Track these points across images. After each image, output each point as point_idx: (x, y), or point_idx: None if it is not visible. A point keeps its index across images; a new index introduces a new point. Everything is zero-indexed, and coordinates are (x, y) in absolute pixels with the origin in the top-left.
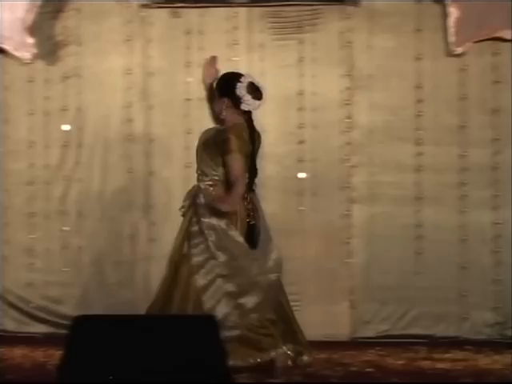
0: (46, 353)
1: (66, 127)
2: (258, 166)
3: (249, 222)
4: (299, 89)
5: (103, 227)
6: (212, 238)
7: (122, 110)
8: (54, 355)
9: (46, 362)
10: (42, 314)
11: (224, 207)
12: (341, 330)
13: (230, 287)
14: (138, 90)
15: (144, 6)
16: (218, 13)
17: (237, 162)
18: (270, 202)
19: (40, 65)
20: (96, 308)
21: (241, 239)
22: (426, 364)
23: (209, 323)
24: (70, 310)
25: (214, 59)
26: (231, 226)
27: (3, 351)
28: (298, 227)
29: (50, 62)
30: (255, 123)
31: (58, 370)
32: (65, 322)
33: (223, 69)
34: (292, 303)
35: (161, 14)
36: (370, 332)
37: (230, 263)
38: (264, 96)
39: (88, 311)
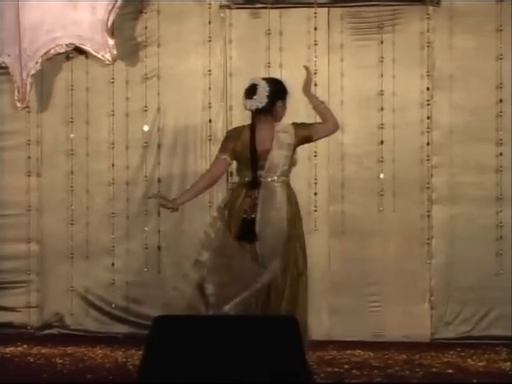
0: (126, 353)
1: (146, 128)
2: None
3: (245, 217)
4: (379, 89)
5: (183, 228)
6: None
7: (202, 110)
8: (135, 355)
9: (126, 362)
10: (122, 315)
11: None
12: (421, 330)
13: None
14: (218, 91)
15: (224, 6)
16: (298, 13)
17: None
18: (350, 203)
19: (120, 66)
20: (176, 309)
21: (225, 233)
22: (507, 366)
23: (289, 325)
24: (150, 310)
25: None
26: (217, 220)
27: (84, 351)
28: (378, 228)
29: (130, 63)
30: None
31: (138, 370)
32: (145, 322)
33: (302, 69)
34: (372, 304)
35: (240, 15)
36: (450, 333)
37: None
38: (255, 93)
39: (168, 312)
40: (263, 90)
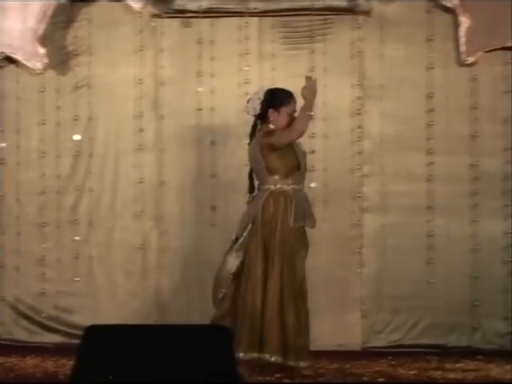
0: (57, 363)
1: (77, 137)
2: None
3: None
4: None
5: (114, 237)
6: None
7: (133, 119)
8: (66, 365)
9: (57, 372)
10: (53, 324)
11: None
12: (352, 339)
13: None
14: (149, 100)
15: (155, 15)
16: (229, 22)
17: None
18: None
19: (51, 75)
20: (108, 318)
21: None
22: (438, 374)
23: (220, 334)
24: (81, 319)
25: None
26: None
27: (14, 361)
28: (309, 237)
29: (61, 72)
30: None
31: (69, 380)
32: (76, 332)
33: (234, 78)
34: None
35: (172, 24)
36: (381, 342)
37: None
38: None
39: (99, 321)
40: (257, 98)
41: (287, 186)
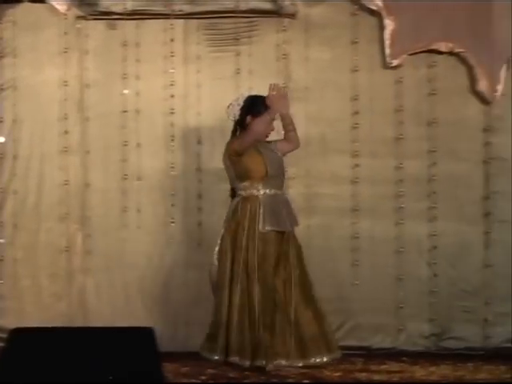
0: None
1: (1, 139)
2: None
3: None
4: None
5: (39, 239)
6: None
7: (58, 121)
8: None
9: None
10: None
11: None
12: None
13: None
14: (74, 102)
15: (80, 17)
16: (155, 25)
17: None
18: (207, 214)
19: None
20: (32, 321)
21: None
22: (363, 376)
23: (145, 335)
24: (5, 322)
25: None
26: None
27: None
28: None
29: None
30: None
31: None
32: (0, 334)
33: (159, 80)
34: None
35: (97, 26)
36: None
37: None
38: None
39: (24, 324)
40: (237, 104)
41: (257, 191)
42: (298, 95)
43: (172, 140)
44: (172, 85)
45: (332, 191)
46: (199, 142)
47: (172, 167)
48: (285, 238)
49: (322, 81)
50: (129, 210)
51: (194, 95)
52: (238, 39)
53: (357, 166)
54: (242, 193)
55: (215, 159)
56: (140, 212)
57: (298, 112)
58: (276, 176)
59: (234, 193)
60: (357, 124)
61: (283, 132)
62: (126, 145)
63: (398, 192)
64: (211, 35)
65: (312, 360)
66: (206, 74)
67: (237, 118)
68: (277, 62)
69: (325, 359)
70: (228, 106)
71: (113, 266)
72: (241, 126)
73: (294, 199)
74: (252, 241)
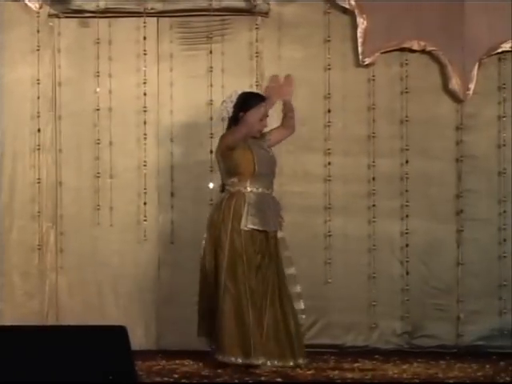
0: None
1: None
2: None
3: None
4: (208, 99)
5: (11, 238)
6: None
7: (31, 120)
8: None
9: None
10: None
11: None
12: None
13: None
14: (47, 100)
15: (52, 15)
16: (127, 23)
17: None
18: (180, 212)
19: None
20: (4, 319)
21: None
22: (335, 374)
23: (117, 334)
24: None
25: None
26: None
27: None
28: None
29: None
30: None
31: None
32: None
33: (131, 79)
34: None
35: (69, 24)
36: None
37: None
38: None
39: None
40: (230, 101)
41: (244, 188)
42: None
43: (145, 138)
44: (145, 83)
45: (304, 189)
46: (172, 140)
47: (144, 165)
48: (269, 238)
49: (294, 79)
50: (101, 208)
51: (166, 93)
52: (210, 37)
53: (329, 164)
54: (230, 189)
55: (188, 157)
56: (113, 210)
57: (270, 111)
58: (265, 175)
59: (223, 189)
60: (329, 122)
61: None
62: (98, 143)
63: (371, 190)
64: (184, 33)
65: (290, 363)
66: (178, 72)
67: (230, 114)
68: (250, 61)
69: (300, 361)
70: (222, 103)
71: (85, 264)
72: (234, 122)
73: None
74: (232, 238)
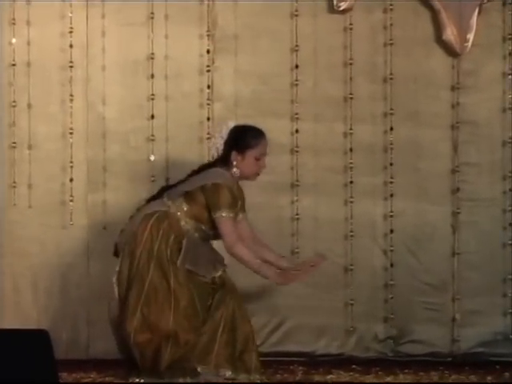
0: None
1: None
2: None
3: None
4: (149, 52)
5: None
6: None
7: None
8: None
9: None
10: None
11: None
12: None
13: None
14: None
15: None
16: None
17: None
18: (114, 191)
19: None
20: None
21: None
22: None
23: (38, 339)
24: None
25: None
26: None
27: None
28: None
29: None
30: None
31: None
32: None
33: (54, 27)
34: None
35: None
36: None
37: None
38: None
39: None
40: (220, 137)
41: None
42: (225, 45)
43: (71, 100)
44: (71, 32)
45: (267, 162)
46: (104, 103)
47: (71, 133)
48: None
49: (254, 28)
50: (18, 185)
51: (97, 45)
52: None
53: (297, 131)
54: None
55: (123, 123)
56: (31, 188)
57: (225, 66)
58: None
59: (156, 197)
60: (297, 81)
61: None
62: (14, 105)
63: (348, 164)
64: None
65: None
66: (111, 20)
67: (220, 153)
68: (199, 6)
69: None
70: (210, 139)
71: None
72: (226, 163)
73: None
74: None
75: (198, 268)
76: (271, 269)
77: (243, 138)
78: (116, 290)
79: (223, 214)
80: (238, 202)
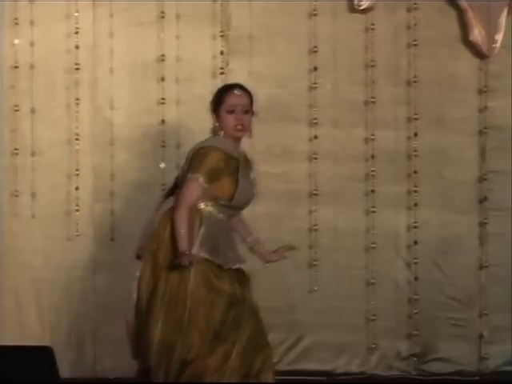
0: None
1: None
2: None
3: None
4: (159, 54)
5: None
6: None
7: None
8: None
9: None
10: None
11: None
12: None
13: None
14: None
15: None
16: None
17: None
18: (122, 200)
19: None
20: None
21: None
22: None
23: (41, 356)
24: None
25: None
26: None
27: None
28: None
29: None
30: None
31: None
32: None
33: (59, 27)
34: None
35: None
36: None
37: None
38: None
39: None
40: None
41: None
42: (239, 47)
43: (76, 104)
44: (77, 33)
45: (284, 170)
46: (112, 107)
47: (77, 139)
48: None
49: (270, 28)
50: (20, 194)
51: (104, 46)
52: None
53: (316, 137)
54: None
55: (132, 129)
56: (35, 197)
57: (239, 68)
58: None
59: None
60: (315, 84)
61: None
62: (16, 110)
63: (369, 171)
64: None
65: None
66: (120, 19)
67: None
68: (212, 4)
69: None
70: None
71: (0, 266)
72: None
73: None
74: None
75: (216, 256)
76: (186, 245)
77: (213, 98)
78: (135, 295)
79: (199, 179)
80: (221, 175)
